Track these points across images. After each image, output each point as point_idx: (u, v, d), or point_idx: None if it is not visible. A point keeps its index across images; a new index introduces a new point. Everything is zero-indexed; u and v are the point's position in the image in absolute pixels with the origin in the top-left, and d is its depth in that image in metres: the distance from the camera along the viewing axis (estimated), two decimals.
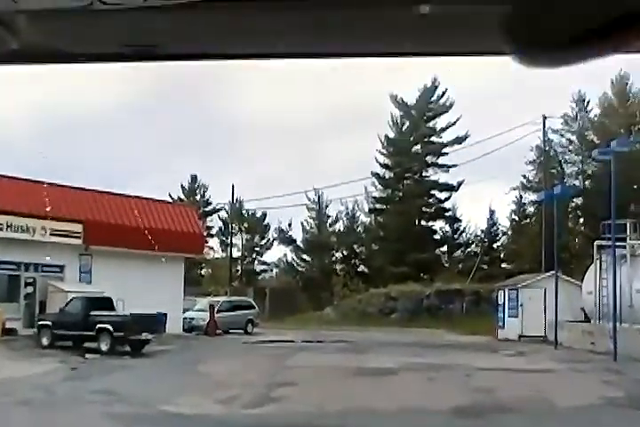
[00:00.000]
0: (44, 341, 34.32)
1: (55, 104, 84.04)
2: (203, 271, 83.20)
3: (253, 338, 42.90)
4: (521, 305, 44.19)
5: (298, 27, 1.54)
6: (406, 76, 70.59)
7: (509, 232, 75.19)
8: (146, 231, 42.83)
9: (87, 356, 31.05)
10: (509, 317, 44.87)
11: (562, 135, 66.77)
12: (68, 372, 25.53)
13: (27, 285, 39.49)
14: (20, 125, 79.20)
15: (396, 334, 47.41)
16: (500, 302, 46.28)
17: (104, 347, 32.62)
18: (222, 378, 23.86)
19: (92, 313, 33.54)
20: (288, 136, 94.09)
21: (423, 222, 76.26)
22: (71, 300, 35.31)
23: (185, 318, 45.81)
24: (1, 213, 37.17)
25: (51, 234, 39.03)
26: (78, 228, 40.44)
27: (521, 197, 72.53)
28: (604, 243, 38.67)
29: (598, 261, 38.67)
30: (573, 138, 67.15)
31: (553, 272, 43.10)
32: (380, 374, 25.03)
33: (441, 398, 20.13)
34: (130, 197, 44.50)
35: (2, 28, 1.47)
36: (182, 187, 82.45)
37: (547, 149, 64.59)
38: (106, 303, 34.91)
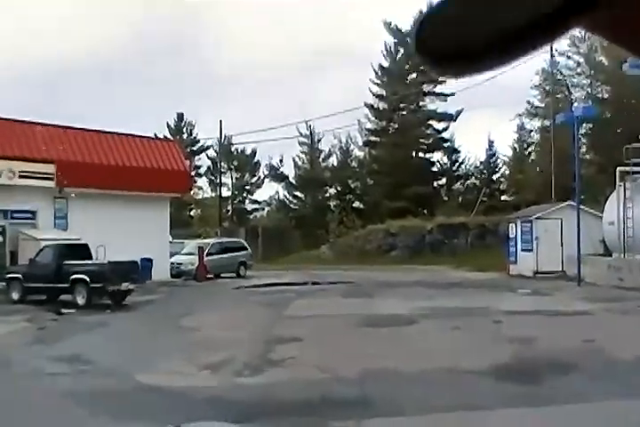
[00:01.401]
0: (14, 295, 31.14)
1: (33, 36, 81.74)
2: (192, 213, 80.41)
3: (246, 282, 39.67)
4: (536, 238, 40.74)
5: None
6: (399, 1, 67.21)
7: (512, 162, 71.80)
8: (125, 170, 39.52)
9: (62, 311, 27.72)
10: (523, 251, 41.46)
11: (569, 57, 62.52)
12: (34, 332, 22.19)
13: None
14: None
15: (397, 272, 44.39)
16: (512, 235, 42.81)
17: (80, 300, 29.34)
18: (211, 335, 20.55)
19: (66, 262, 30.16)
20: (276, 72, 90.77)
21: (420, 154, 73.18)
22: (42, 248, 31.86)
23: (172, 263, 42.55)
24: None
25: (20, 176, 35.37)
26: (51, 168, 36.82)
27: (523, 124, 69.00)
28: (627, 169, 35.26)
29: (621, 189, 35.25)
30: (581, 60, 62.88)
31: (569, 202, 39.75)
32: (393, 323, 21.78)
33: (475, 353, 16.79)
34: (106, 133, 40.84)
35: None
36: (168, 125, 79.19)
37: (553, 72, 60.54)
38: (82, 251, 31.48)
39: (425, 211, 67.93)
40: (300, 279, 39.01)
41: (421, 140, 72.42)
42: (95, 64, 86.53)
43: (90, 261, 30.76)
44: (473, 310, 24.59)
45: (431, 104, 71.87)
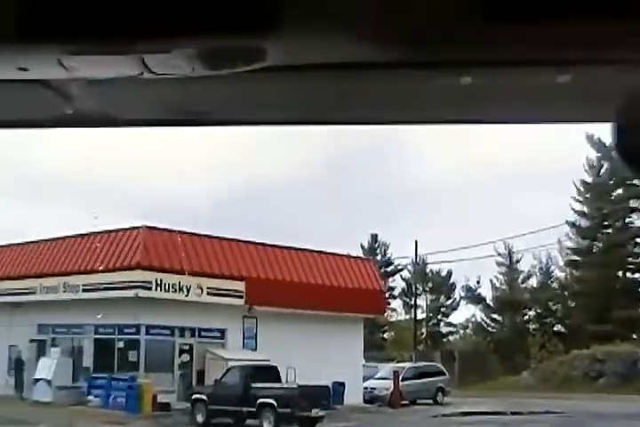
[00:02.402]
0: (199, 417, 29.70)
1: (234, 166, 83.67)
2: (385, 335, 77.86)
3: (445, 409, 36.66)
4: None
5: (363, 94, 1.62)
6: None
7: None
8: (318, 288, 37.81)
9: None
10: None
11: None
12: None
13: (182, 352, 34.75)
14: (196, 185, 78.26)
15: (609, 402, 40.10)
16: None
17: (267, 425, 27.29)
18: None
19: (254, 385, 28.32)
20: (471, 189, 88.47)
21: (628, 274, 68.45)
22: (229, 369, 30.26)
23: (366, 388, 40.03)
24: (149, 269, 32.56)
25: (208, 293, 34.15)
26: (240, 286, 35.43)
27: None
28: None
29: None
30: None
31: None
32: None
33: None
34: (297, 249, 39.32)
35: (55, 94, 1.53)
36: (362, 246, 77.73)
37: None
38: (270, 373, 29.71)
39: (635, 335, 63.13)
40: (502, 407, 35.69)
41: (629, 260, 68.06)
42: (293, 185, 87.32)
43: (278, 385, 28.87)
44: None
45: (639, 221, 67.85)
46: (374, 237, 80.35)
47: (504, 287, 73.34)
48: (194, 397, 30.27)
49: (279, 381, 29.78)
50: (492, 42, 1.37)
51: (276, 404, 27.31)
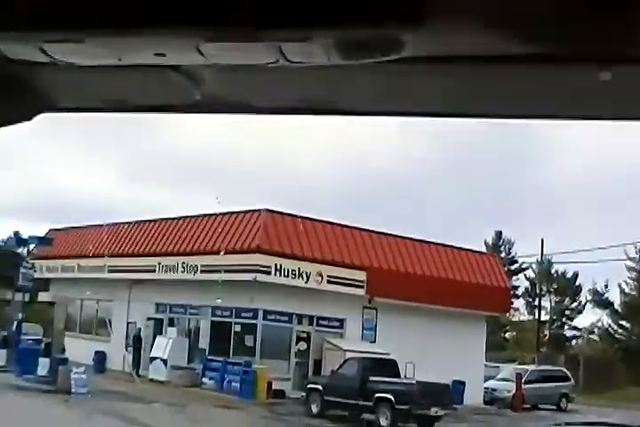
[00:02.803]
0: (314, 408, 28.74)
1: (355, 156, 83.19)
2: (507, 335, 75.73)
3: (569, 417, 34.72)
4: None
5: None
6: None
7: None
8: (441, 282, 36.49)
9: None
10: None
11: None
12: None
13: (299, 340, 33.84)
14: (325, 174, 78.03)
15: None
16: None
17: (384, 422, 26.33)
18: None
19: (372, 379, 27.22)
20: (602, 191, 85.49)
21: None
22: (346, 361, 29.23)
23: (486, 388, 38.52)
24: (269, 253, 31.72)
25: (328, 281, 33.13)
26: (361, 275, 34.31)
27: None
28: None
29: None
30: None
31: None
32: None
33: None
34: (421, 241, 37.98)
35: (187, 80, 1.57)
36: (486, 243, 75.78)
37: None
38: (389, 367, 28.58)
39: None
40: (629, 420, 33.58)
41: None
42: (419, 180, 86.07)
43: (397, 380, 27.67)
44: None
45: None
46: (499, 234, 78.47)
47: (634, 293, 70.35)
48: (309, 386, 29.35)
49: (398, 376, 28.59)
50: (633, 36, 1.34)
51: (393, 400, 26.14)
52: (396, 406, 26.10)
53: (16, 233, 36.60)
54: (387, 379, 27.26)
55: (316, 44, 1.32)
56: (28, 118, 1.81)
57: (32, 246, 38.54)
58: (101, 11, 1.30)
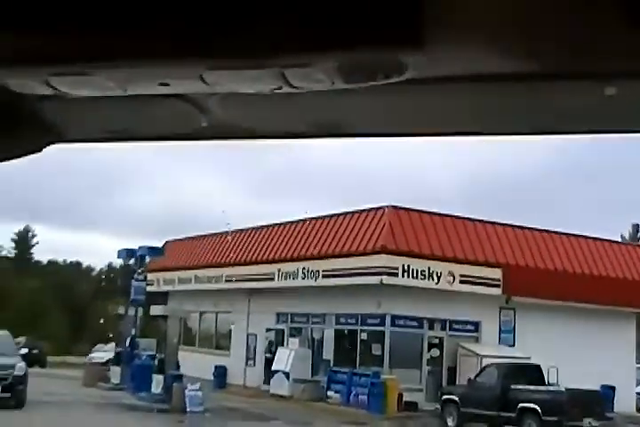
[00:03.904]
0: (449, 421, 26.22)
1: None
2: None
3: None
4: None
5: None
6: None
7: None
8: (583, 278, 33.32)
9: None
10: None
11: None
12: None
13: (431, 346, 31.14)
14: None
15: None
16: None
17: None
18: None
19: (514, 387, 24.39)
20: None
21: None
22: (485, 367, 26.46)
23: (639, 394, 34.99)
24: (395, 253, 29.19)
25: (461, 281, 30.37)
26: (496, 273, 31.39)
27: None
28: None
29: None
30: None
31: None
32: None
33: None
34: (559, 233, 34.78)
35: (191, 107, 1.60)
36: (622, 237, 71.61)
37: None
38: (533, 374, 25.73)
39: None
40: None
41: None
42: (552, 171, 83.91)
43: (543, 388, 24.74)
44: None
45: None
46: (636, 227, 74.57)
47: None
48: (444, 397, 26.65)
49: (543, 383, 25.64)
50: (636, 51, 1.36)
51: (540, 410, 23.29)
52: (543, 418, 23.26)
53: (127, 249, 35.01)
54: (531, 387, 24.41)
55: (318, 69, 1.32)
56: (38, 150, 1.84)
57: (147, 260, 36.89)
58: (104, 42, 1.32)
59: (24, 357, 31.10)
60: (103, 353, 46.63)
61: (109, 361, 43.70)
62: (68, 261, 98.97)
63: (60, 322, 72.00)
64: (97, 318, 57.16)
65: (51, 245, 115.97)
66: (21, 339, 30.88)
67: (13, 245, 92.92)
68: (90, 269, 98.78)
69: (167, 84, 1.37)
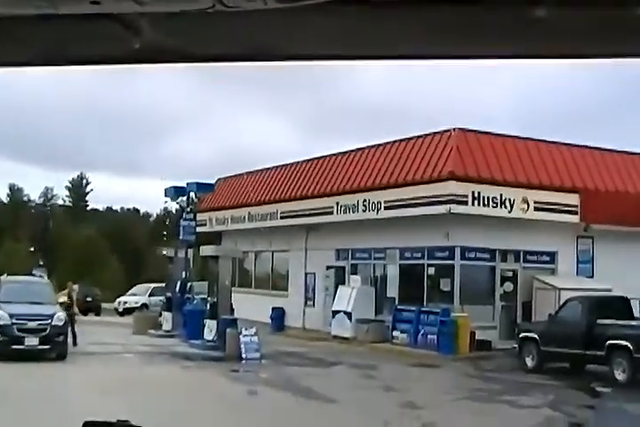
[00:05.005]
0: (528, 361, 23.81)
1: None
2: None
3: None
4: None
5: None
6: None
7: None
8: None
9: (597, 389, 19.56)
10: None
11: None
12: None
13: (503, 280, 28.68)
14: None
15: None
16: None
17: (619, 375, 20.99)
18: None
19: (600, 322, 21.90)
20: None
21: None
22: (567, 302, 23.95)
23: None
24: (463, 179, 26.66)
25: (535, 209, 27.81)
26: (573, 199, 28.72)
27: None
28: None
29: None
30: None
31: None
32: None
33: None
34: (638, 154, 31.84)
35: (123, 29, 1.59)
36: None
37: None
38: (620, 307, 23.20)
39: None
40: None
41: None
42: None
43: (634, 322, 22.17)
44: None
45: None
46: None
47: None
48: (522, 335, 24.23)
49: (632, 317, 23.11)
50: None
51: (632, 347, 20.82)
52: (635, 355, 20.78)
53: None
54: (620, 322, 21.89)
55: None
56: None
57: (197, 197, 34.78)
58: None
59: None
60: (134, 297, 45.19)
61: (144, 306, 42.42)
62: (126, 208, 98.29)
63: (117, 269, 71.06)
64: (152, 263, 55.73)
65: (105, 193, 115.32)
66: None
67: (67, 193, 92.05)
68: (147, 215, 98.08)
69: (98, 3, 1.33)
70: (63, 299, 26.30)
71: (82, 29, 1.56)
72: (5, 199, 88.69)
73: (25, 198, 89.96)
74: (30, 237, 72.85)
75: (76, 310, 26.78)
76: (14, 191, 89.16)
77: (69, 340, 23.72)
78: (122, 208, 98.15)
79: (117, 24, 1.52)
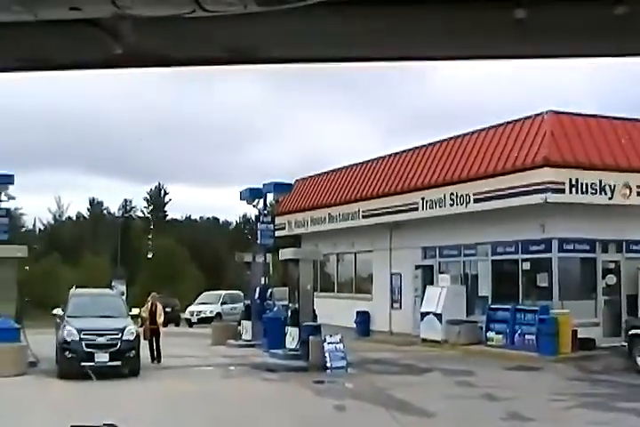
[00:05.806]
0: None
1: None
2: None
3: None
4: None
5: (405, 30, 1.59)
6: None
7: None
8: None
9: None
10: None
11: None
12: None
13: (605, 273, 26.58)
14: None
15: None
16: None
17: None
18: None
19: None
20: None
21: None
22: None
23: None
24: (559, 166, 24.64)
25: (638, 193, 25.64)
26: None
27: None
28: None
29: None
30: None
31: None
32: None
33: None
34: None
35: (105, 34, 1.57)
36: None
37: None
38: None
39: None
40: None
41: None
42: None
43: None
44: None
45: None
46: None
47: None
48: (631, 332, 22.16)
49: None
50: None
51: None
52: None
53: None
54: None
55: None
56: None
57: (273, 201, 33.24)
58: None
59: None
60: (206, 306, 43.85)
61: (218, 315, 40.98)
62: (205, 218, 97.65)
63: (197, 278, 70.14)
64: (232, 271, 54.54)
65: (184, 203, 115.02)
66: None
67: (145, 204, 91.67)
68: (227, 223, 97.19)
69: (79, 9, 1.34)
70: (145, 313, 25.01)
71: (62, 35, 1.54)
72: (86, 213, 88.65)
73: (105, 211, 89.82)
74: (110, 250, 72.50)
75: (160, 320, 25.20)
76: (94, 205, 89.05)
77: (147, 354, 22.42)
78: (201, 217, 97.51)
79: (98, 29, 1.51)
